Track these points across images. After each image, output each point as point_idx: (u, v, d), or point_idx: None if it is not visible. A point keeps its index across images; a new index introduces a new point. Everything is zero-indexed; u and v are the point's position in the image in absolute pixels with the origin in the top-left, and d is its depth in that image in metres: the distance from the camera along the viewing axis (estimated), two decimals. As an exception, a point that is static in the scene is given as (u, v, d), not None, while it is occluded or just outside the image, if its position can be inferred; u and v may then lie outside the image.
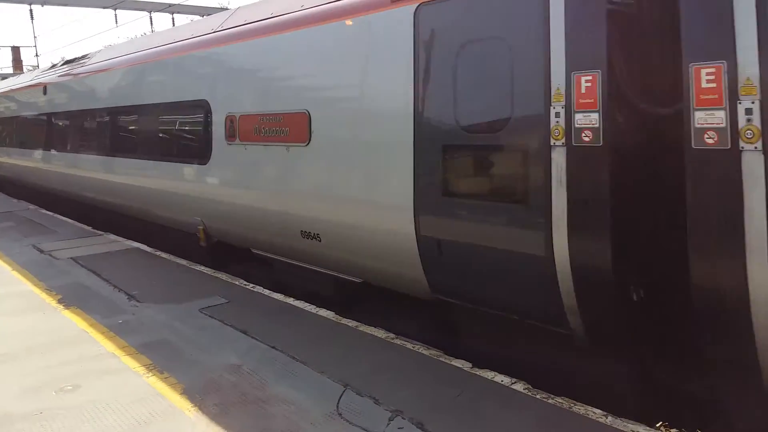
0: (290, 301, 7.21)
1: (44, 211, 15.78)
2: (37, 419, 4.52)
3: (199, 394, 4.85)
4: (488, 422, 4.28)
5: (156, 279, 8.47)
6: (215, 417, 4.46)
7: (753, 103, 3.51)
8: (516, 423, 4.27)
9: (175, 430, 4.32)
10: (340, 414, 4.44)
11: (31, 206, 16.83)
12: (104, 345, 5.99)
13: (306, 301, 7.12)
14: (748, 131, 3.53)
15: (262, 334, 6.11)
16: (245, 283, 8.07)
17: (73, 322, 6.72)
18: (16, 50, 42.82)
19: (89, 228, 12.85)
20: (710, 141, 3.67)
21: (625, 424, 4.18)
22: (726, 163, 3.62)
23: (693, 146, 3.75)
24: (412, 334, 6.04)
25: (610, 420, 4.23)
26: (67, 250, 10.48)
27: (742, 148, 3.54)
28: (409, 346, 5.68)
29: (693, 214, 3.77)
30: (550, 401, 4.53)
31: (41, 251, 10.52)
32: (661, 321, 4.30)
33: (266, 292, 7.63)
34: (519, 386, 4.79)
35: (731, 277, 3.62)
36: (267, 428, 4.29)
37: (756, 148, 3.50)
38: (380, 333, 6.04)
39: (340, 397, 4.70)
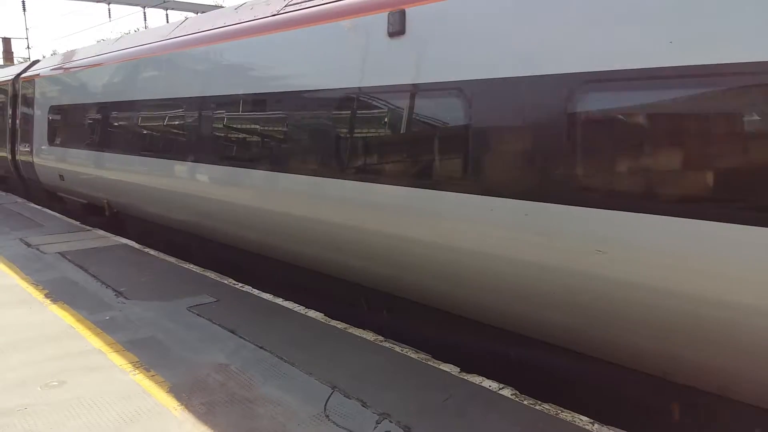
0: (279, 301, 7.19)
1: (32, 204, 15.65)
2: (22, 415, 4.48)
3: (186, 392, 4.82)
4: (475, 427, 4.28)
5: (144, 276, 8.41)
6: (202, 416, 4.44)
7: None
8: (503, 428, 4.28)
9: (161, 428, 4.30)
10: (327, 416, 4.44)
11: (19, 199, 16.69)
12: (91, 341, 5.95)
13: (295, 302, 7.11)
14: None
15: (251, 333, 6.09)
16: (234, 282, 8.04)
17: (59, 317, 6.67)
18: (7, 41, 42.48)
19: (77, 223, 12.76)
20: None
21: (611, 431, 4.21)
22: None
23: None
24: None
25: (596, 427, 4.26)
26: (55, 245, 10.40)
27: None
28: (397, 349, 5.68)
29: None
30: (537, 407, 4.54)
31: (28, 245, 10.44)
32: None
33: (255, 291, 7.60)
34: (506, 392, 4.81)
35: None
36: (254, 428, 4.28)
37: None
38: (369, 335, 6.04)
39: (328, 399, 4.69)
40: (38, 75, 14.93)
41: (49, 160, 13.97)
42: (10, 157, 16.70)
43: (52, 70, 14.40)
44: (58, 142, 13.44)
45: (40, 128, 14.26)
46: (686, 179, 3.86)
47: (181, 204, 9.19)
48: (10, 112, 16.65)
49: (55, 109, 13.64)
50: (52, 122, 13.74)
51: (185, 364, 5.41)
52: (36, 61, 16.82)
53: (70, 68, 13.29)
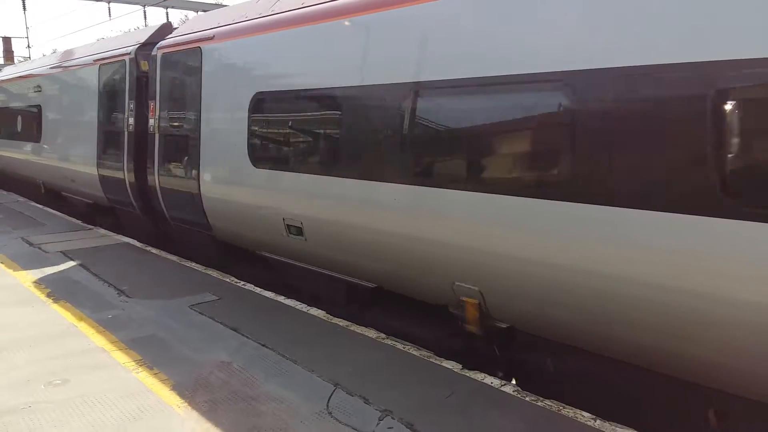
0: (281, 299, 7.21)
1: (33, 203, 15.67)
2: (26, 413, 4.49)
3: (188, 390, 4.84)
4: (477, 423, 4.29)
5: (146, 274, 8.44)
6: (205, 414, 4.46)
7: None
8: (505, 425, 4.29)
9: (164, 426, 4.31)
10: (330, 413, 4.45)
11: (21, 198, 16.71)
12: (93, 339, 5.97)
13: (297, 300, 7.12)
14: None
15: (253, 331, 6.10)
16: (236, 280, 8.05)
17: (62, 316, 6.69)
18: (7, 40, 42.42)
19: (79, 222, 12.78)
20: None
21: (613, 428, 4.22)
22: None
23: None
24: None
25: (598, 423, 4.26)
26: (57, 244, 10.42)
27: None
28: (399, 346, 5.69)
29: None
30: (539, 404, 4.56)
31: (30, 244, 10.45)
32: None
33: (257, 289, 7.62)
34: (508, 388, 4.82)
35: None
36: (257, 426, 4.29)
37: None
38: (371, 333, 6.05)
39: (330, 396, 4.70)
40: (211, 38, 8.45)
41: (257, 195, 7.63)
42: (131, 179, 10.51)
43: (246, 27, 7.89)
44: (285, 163, 7.17)
45: (222, 135, 8.17)
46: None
47: None
48: (129, 105, 10.56)
49: (272, 101, 7.34)
50: (263, 125, 7.49)
51: (188, 362, 5.43)
52: (168, 25, 11.12)
53: (314, 17, 6.69)
